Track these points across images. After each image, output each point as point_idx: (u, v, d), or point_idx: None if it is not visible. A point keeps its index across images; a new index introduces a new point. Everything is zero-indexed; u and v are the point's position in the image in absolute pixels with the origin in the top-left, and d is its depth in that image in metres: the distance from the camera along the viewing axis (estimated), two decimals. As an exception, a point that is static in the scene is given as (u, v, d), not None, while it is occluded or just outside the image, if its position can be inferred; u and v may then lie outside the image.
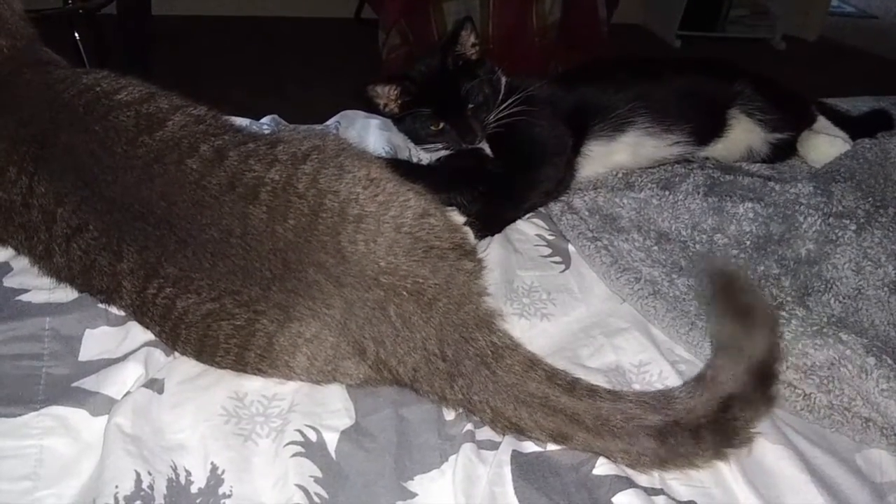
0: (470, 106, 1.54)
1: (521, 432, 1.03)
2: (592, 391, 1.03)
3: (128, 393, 1.04)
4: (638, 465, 1.01)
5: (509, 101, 1.55)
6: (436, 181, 1.40)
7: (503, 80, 1.62)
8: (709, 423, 0.99)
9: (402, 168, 1.32)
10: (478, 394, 1.03)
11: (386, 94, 1.58)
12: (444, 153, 1.62)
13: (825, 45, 5.63)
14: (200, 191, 1.09)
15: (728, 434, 1.00)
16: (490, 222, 1.44)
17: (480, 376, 1.03)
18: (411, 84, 1.58)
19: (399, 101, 1.60)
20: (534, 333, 1.24)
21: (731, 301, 1.07)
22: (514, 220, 1.50)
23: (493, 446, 1.03)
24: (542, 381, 1.04)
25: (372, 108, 1.66)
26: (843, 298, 1.31)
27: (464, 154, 1.60)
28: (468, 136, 1.56)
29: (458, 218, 1.40)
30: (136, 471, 0.93)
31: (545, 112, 1.60)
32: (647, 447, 0.99)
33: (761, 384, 1.02)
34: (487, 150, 1.59)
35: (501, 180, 1.54)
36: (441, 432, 1.05)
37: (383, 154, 1.68)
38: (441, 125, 1.57)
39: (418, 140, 1.65)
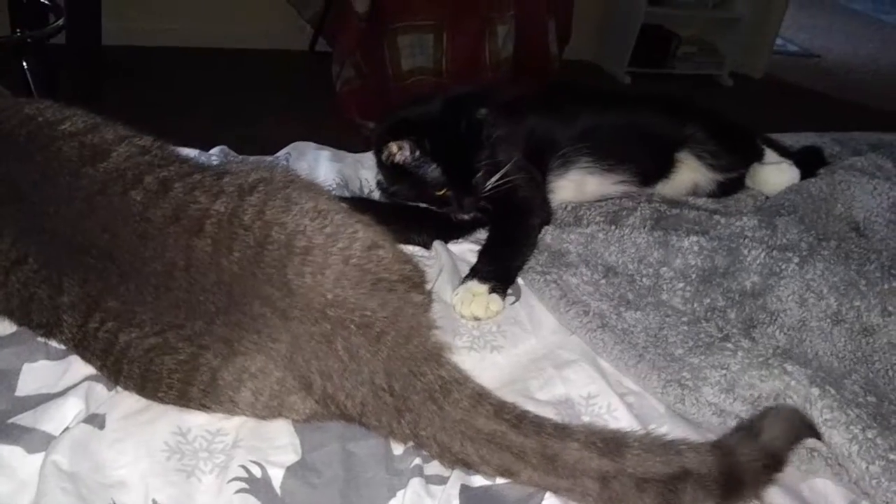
0: (478, 176, 1.48)
1: (468, 467, 1.02)
2: (539, 426, 1.02)
3: (66, 429, 1.01)
4: (583, 501, 1.00)
5: (503, 171, 1.50)
6: (395, 220, 1.37)
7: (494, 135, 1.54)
8: (656, 484, 0.98)
9: (359, 205, 1.29)
10: (425, 429, 1.02)
11: (398, 149, 1.46)
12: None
13: (770, 83, 5.78)
14: (144, 223, 1.07)
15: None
16: (507, 277, 1.41)
17: (427, 411, 1.02)
18: (426, 140, 1.45)
19: (409, 156, 1.47)
20: (484, 366, 1.23)
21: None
22: (521, 268, 1.45)
23: (442, 481, 1.02)
24: (490, 416, 1.03)
25: (376, 154, 1.55)
26: (788, 330, 1.33)
27: None
28: (468, 208, 1.51)
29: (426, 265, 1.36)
30: (72, 510, 0.91)
31: (506, 149, 1.57)
32: (591, 488, 0.99)
33: (727, 486, 1.00)
34: None
35: (494, 235, 1.51)
36: (389, 467, 1.04)
37: (334, 186, 1.66)
38: (444, 191, 1.48)
39: (402, 196, 1.55)
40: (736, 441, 1.05)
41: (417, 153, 1.46)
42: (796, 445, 1.09)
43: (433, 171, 1.46)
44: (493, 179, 1.50)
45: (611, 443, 1.01)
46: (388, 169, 1.53)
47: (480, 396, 1.05)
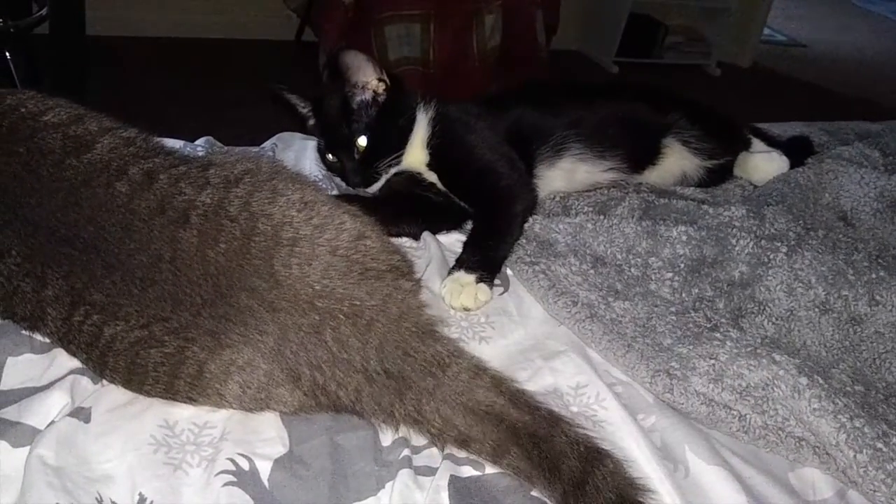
0: (358, 151, 1.53)
1: (466, 444, 1.02)
2: (534, 409, 1.03)
3: (52, 423, 1.00)
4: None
5: (478, 155, 1.55)
6: (383, 211, 1.40)
7: (422, 114, 1.59)
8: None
9: (346, 196, 1.30)
10: (428, 403, 1.03)
11: (300, 106, 1.62)
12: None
13: (758, 72, 5.80)
14: (129, 215, 1.06)
15: None
16: (493, 266, 1.40)
17: (428, 386, 1.03)
18: (317, 113, 1.60)
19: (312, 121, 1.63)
20: (472, 357, 1.23)
21: None
22: (507, 257, 1.46)
23: (431, 472, 1.02)
24: (489, 387, 1.04)
25: None
26: (776, 320, 1.33)
27: (407, 183, 1.58)
28: (352, 181, 1.56)
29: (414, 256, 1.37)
30: (58, 504, 0.90)
31: (485, 136, 1.59)
32: (568, 489, 0.98)
33: None
34: (437, 182, 1.58)
35: (479, 224, 1.52)
36: (377, 459, 1.03)
37: (320, 177, 1.66)
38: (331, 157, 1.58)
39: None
40: None
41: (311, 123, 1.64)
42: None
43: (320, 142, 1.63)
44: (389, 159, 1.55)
45: (593, 452, 1.00)
46: None
47: (478, 369, 1.07)
